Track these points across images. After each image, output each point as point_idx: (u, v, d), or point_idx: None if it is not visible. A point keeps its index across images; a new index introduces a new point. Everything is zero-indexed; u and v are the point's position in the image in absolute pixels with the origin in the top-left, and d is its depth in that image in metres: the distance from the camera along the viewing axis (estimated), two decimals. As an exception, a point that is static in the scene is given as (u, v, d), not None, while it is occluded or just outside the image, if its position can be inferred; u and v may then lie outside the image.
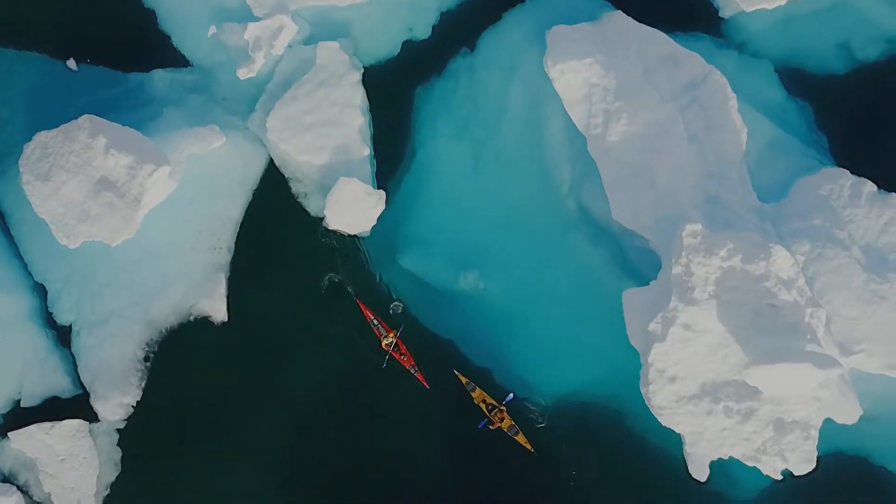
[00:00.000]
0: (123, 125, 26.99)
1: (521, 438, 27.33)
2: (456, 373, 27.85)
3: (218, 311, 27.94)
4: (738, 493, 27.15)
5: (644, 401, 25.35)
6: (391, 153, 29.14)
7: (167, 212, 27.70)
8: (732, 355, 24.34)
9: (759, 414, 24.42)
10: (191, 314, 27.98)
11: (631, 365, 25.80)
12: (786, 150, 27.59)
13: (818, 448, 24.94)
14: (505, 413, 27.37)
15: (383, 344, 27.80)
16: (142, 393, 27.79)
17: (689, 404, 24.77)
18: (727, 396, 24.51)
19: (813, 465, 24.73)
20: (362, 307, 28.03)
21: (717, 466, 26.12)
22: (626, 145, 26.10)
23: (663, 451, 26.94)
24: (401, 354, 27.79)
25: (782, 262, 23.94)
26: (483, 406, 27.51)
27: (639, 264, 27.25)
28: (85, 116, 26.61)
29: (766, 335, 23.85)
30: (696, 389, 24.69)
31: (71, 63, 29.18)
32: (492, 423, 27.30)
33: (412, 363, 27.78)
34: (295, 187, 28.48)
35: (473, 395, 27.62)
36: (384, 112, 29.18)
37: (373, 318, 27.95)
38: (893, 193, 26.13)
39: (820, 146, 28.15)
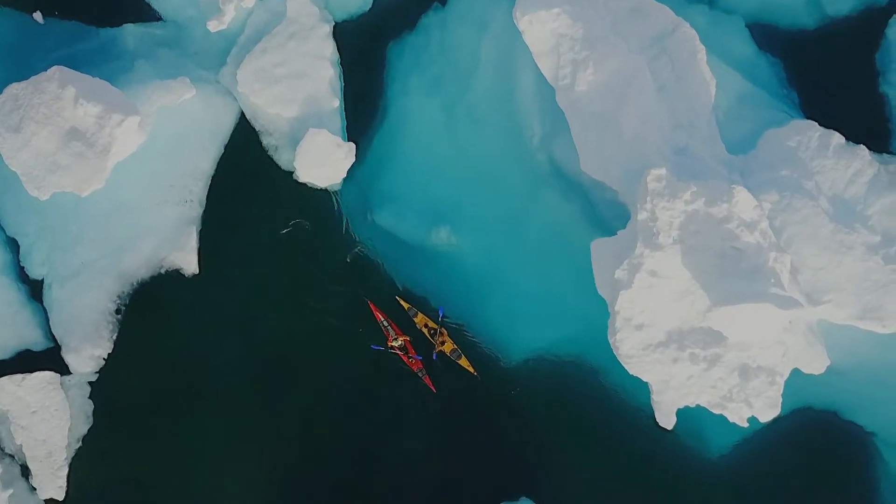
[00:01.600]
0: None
1: (464, 362, 27.39)
2: (398, 298, 27.87)
3: (189, 263, 27.94)
4: (709, 451, 27.24)
5: (614, 354, 25.35)
6: (363, 110, 29.04)
7: (138, 165, 27.61)
8: (698, 301, 24.34)
9: (724, 360, 24.42)
10: (162, 267, 27.97)
11: (601, 319, 25.70)
12: (755, 104, 27.57)
13: (787, 403, 24.87)
14: (446, 336, 27.46)
15: (391, 344, 27.57)
16: (113, 345, 27.77)
17: (656, 352, 24.74)
18: (693, 343, 24.49)
19: (778, 411, 24.66)
20: (373, 308, 27.81)
21: (689, 426, 26.26)
22: (593, 95, 26.06)
23: (634, 406, 27.01)
24: (409, 357, 27.65)
25: (744, 203, 23.95)
26: (426, 331, 27.61)
27: (609, 217, 27.22)
28: (55, 67, 26.48)
29: (729, 278, 23.85)
30: (662, 337, 24.68)
31: (37, 16, 29.10)
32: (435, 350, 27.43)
33: (419, 366, 27.64)
34: (266, 140, 28.45)
35: (416, 320, 27.73)
36: (357, 69, 29.11)
37: (383, 319, 27.75)
38: (861, 145, 26.07)
39: (790, 101, 28.14)
